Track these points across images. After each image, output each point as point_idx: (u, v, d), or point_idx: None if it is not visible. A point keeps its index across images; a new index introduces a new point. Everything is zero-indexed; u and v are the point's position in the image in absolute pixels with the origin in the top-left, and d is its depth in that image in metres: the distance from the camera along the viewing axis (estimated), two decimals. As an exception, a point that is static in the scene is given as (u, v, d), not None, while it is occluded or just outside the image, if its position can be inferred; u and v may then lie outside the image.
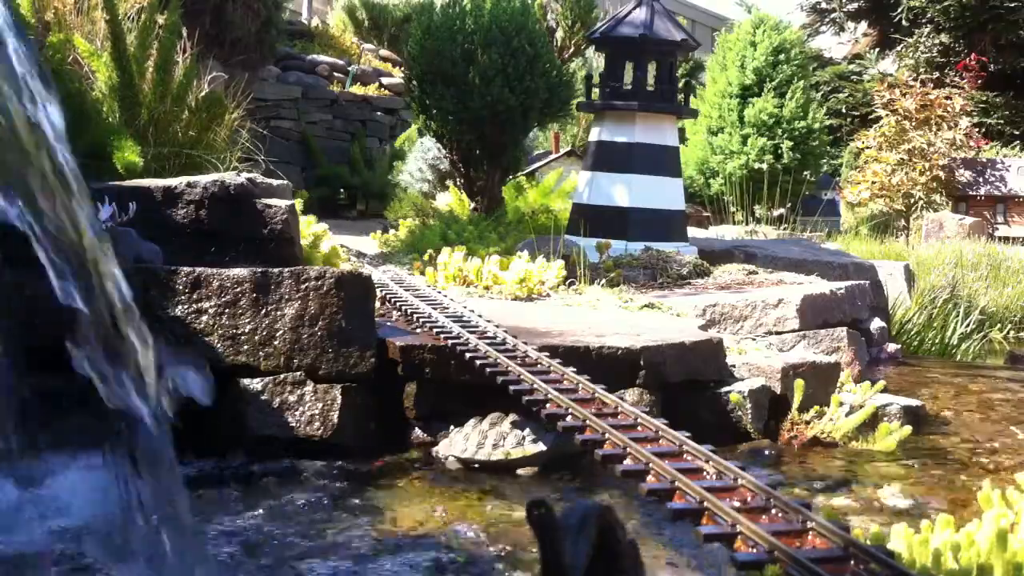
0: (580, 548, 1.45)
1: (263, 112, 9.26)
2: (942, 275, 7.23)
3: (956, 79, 12.03)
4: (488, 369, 2.94)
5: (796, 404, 3.49)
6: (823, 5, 18.49)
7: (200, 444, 2.81)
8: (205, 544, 2.26)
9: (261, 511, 2.55)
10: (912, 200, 11.32)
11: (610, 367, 3.21)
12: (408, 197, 8.70)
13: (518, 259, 4.89)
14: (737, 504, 1.89)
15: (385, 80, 12.08)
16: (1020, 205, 11.36)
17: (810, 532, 1.76)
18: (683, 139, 11.27)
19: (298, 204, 4.23)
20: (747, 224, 10.05)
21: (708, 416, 3.41)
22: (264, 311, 3.01)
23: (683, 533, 2.43)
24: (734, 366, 3.65)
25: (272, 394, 2.99)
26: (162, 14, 4.93)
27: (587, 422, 2.45)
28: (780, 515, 1.84)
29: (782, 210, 10.34)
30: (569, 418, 2.53)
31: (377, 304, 3.63)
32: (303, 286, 3.04)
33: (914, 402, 3.77)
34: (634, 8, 6.17)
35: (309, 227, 4.63)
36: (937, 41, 16.12)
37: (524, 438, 3.00)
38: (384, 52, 13.38)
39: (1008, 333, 7.14)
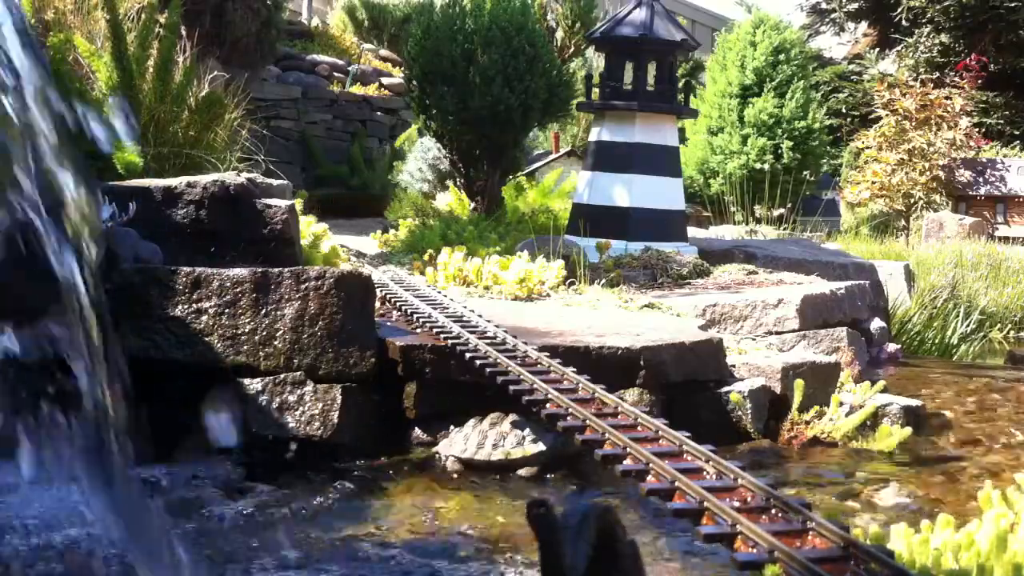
0: (580, 548, 1.44)
1: (263, 112, 9.24)
2: (942, 275, 7.24)
3: (956, 79, 12.02)
4: (488, 369, 2.94)
5: (796, 404, 3.49)
6: (823, 5, 18.48)
7: (198, 444, 2.81)
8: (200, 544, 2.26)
9: (258, 512, 2.55)
10: (912, 200, 11.32)
11: (610, 367, 3.21)
12: (408, 197, 8.69)
13: (518, 259, 4.89)
14: (737, 504, 1.89)
15: (385, 80, 12.08)
16: (1020, 205, 11.36)
17: (810, 532, 1.76)
18: (683, 139, 11.26)
19: (298, 204, 4.23)
20: (747, 224, 10.04)
21: (708, 416, 3.41)
22: (264, 311, 3.01)
23: (683, 533, 2.43)
24: (734, 366, 3.65)
25: (272, 394, 2.99)
26: (162, 14, 4.93)
27: (587, 422, 2.45)
28: (780, 515, 1.84)
29: (782, 210, 10.34)
30: (569, 418, 2.53)
31: (377, 304, 3.63)
32: (303, 286, 3.03)
33: (914, 402, 3.77)
34: (634, 8, 6.17)
35: (309, 227, 4.63)
36: (937, 41, 16.11)
37: (524, 438, 3.00)
38: (384, 52, 13.38)
39: (1008, 333, 7.15)
